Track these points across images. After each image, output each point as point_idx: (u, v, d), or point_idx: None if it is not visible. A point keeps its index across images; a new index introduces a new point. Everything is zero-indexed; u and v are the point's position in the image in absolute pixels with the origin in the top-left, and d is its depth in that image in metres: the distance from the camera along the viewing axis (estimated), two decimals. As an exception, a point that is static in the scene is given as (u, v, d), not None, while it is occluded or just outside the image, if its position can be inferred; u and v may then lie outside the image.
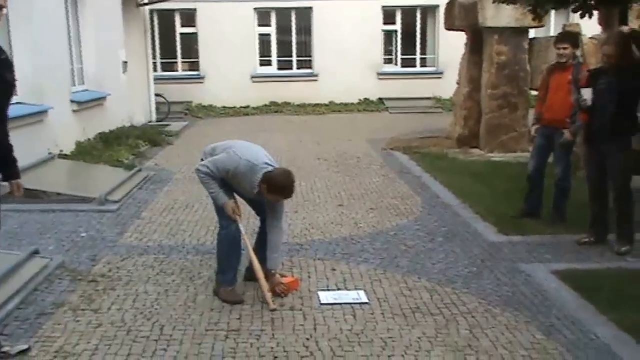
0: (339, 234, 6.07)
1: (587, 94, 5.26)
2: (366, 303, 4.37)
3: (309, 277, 4.88)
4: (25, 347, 3.64)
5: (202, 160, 4.50)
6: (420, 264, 5.20)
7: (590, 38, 10.35)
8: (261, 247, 4.70)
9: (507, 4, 7.18)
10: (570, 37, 6.14)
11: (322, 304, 4.36)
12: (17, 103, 8.41)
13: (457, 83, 11.73)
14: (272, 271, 4.48)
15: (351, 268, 5.08)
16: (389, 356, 3.62)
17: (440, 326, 4.01)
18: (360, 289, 4.59)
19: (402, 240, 5.85)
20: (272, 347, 3.72)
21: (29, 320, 4.05)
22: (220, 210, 4.48)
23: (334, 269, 5.06)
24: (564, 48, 5.95)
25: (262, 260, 4.63)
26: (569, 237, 5.78)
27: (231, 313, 4.21)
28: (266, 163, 4.32)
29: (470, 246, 5.66)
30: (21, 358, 3.58)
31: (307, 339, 3.83)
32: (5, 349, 3.57)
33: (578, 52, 6.38)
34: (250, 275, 4.65)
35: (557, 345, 3.75)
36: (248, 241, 4.57)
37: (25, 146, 8.00)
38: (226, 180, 4.39)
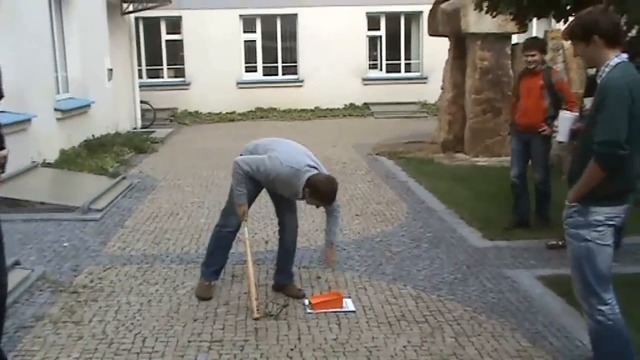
0: (324, 241, 6.02)
1: (589, 102, 5.18)
2: (352, 311, 4.35)
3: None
4: None
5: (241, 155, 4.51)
6: (405, 270, 5.18)
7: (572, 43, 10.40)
8: (281, 258, 4.74)
9: (490, 14, 7.21)
10: (537, 43, 6.17)
11: (307, 312, 4.32)
12: (-1, 112, 8.34)
13: (442, 88, 11.77)
14: (332, 243, 4.58)
15: (336, 276, 5.05)
16: (374, 366, 3.60)
17: (425, 334, 3.99)
18: (347, 298, 4.56)
19: (387, 246, 5.84)
20: (255, 358, 3.69)
21: (8, 334, 3.95)
22: (230, 206, 4.51)
23: (319, 277, 5.03)
24: (532, 55, 5.99)
25: (281, 274, 4.73)
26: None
27: (214, 323, 4.17)
28: (309, 166, 4.30)
29: (456, 252, 5.66)
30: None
31: (292, 350, 3.79)
32: None
33: (560, 58, 6.41)
34: (278, 286, 4.73)
35: (543, 353, 3.74)
36: (249, 248, 4.53)
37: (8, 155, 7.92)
38: (263, 182, 4.41)
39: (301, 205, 7.35)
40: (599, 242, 3.09)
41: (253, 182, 4.41)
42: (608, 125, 2.97)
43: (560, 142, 3.70)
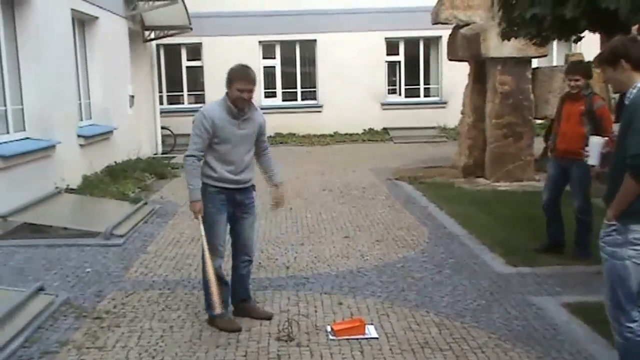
0: (345, 266, 6.02)
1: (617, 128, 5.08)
2: (375, 338, 4.31)
3: (316, 311, 4.82)
4: None
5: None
6: (428, 297, 5.14)
7: (594, 67, 10.37)
8: (237, 283, 4.72)
9: (509, 40, 7.23)
10: (581, 67, 6.03)
11: (330, 339, 4.29)
12: (25, 139, 8.49)
13: (462, 113, 11.76)
14: (279, 183, 4.79)
15: (358, 302, 5.02)
16: (398, 394, 3.56)
17: (450, 362, 3.94)
18: (369, 324, 4.52)
19: (409, 272, 5.79)
20: (279, 386, 3.67)
21: (33, 359, 4.00)
22: (210, 247, 4.46)
23: (340, 303, 5.00)
24: (576, 80, 5.84)
25: (238, 295, 4.72)
26: (579, 268, 5.72)
27: (237, 350, 4.15)
28: None
29: (479, 278, 5.60)
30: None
31: (315, 377, 3.77)
32: None
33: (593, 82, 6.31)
34: (241, 312, 4.71)
35: (570, 381, 3.68)
36: (206, 244, 4.43)
37: (32, 181, 8.04)
38: (216, 146, 4.42)
39: (322, 230, 7.42)
40: (635, 260, 3.17)
41: (223, 208, 4.47)
42: (639, 139, 3.07)
43: (592, 166, 3.77)
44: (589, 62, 7.90)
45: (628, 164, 3.09)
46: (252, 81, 4.44)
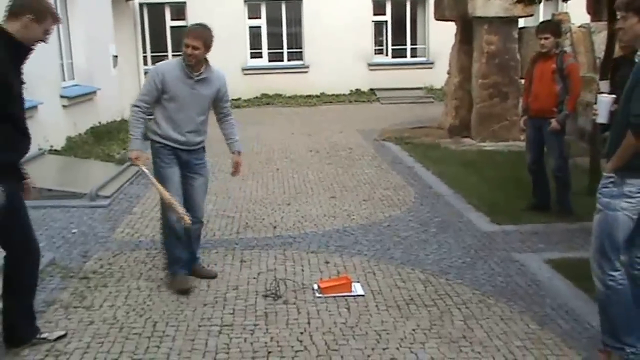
0: (332, 226, 6.05)
1: (603, 86, 5.10)
2: (361, 295, 4.36)
3: (303, 270, 4.86)
4: (62, 333, 3.77)
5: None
6: (414, 255, 5.19)
7: (579, 27, 10.36)
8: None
9: None
10: (551, 26, 6.08)
11: (317, 297, 4.34)
12: (5, 99, 8.35)
13: (448, 73, 11.72)
14: (238, 152, 4.80)
15: (345, 260, 5.07)
16: (383, 349, 3.62)
17: (434, 318, 4.01)
18: (356, 282, 4.57)
19: (395, 231, 5.84)
20: (266, 342, 3.71)
21: (21, 319, 4.01)
22: (165, 203, 4.45)
23: (327, 262, 5.04)
24: (545, 38, 5.90)
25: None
26: (562, 225, 5.80)
27: (224, 308, 4.19)
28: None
29: (464, 236, 5.66)
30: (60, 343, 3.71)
31: (301, 333, 3.81)
32: (44, 335, 3.70)
33: (567, 41, 6.34)
34: (195, 273, 4.70)
35: (552, 335, 3.76)
36: (159, 185, 4.44)
37: (14, 142, 7.94)
38: (166, 102, 4.41)
39: (308, 190, 7.43)
40: (627, 213, 3.24)
41: (173, 162, 4.49)
42: None
43: (601, 124, 3.73)
44: (558, 21, 7.88)
45: (632, 122, 3.08)
46: (195, 36, 4.31)
